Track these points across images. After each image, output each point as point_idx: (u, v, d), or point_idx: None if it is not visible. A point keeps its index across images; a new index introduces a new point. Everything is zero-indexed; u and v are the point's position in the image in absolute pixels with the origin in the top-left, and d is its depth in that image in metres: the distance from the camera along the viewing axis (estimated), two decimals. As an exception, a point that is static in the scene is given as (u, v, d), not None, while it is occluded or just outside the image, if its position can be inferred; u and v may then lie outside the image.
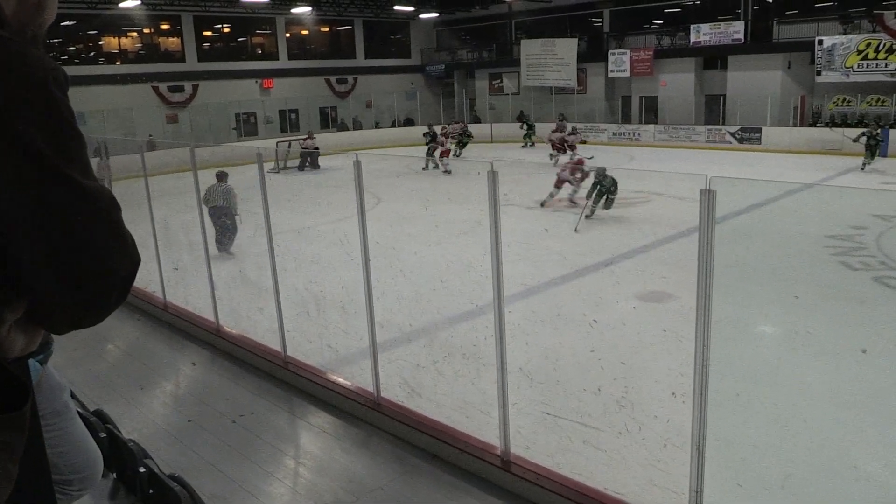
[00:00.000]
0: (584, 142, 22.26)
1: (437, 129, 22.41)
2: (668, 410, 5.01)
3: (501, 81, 33.61)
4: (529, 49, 31.17)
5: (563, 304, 7.77)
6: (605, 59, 29.02)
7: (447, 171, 19.67)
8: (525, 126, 27.32)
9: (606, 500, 4.04)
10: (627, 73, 28.44)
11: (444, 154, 20.23)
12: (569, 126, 23.17)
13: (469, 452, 4.56)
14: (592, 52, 29.77)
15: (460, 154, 23.08)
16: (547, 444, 4.75)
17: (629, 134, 27.35)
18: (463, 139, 23.58)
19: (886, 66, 22.91)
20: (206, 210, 8.99)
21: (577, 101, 29.94)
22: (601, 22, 30.43)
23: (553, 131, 22.12)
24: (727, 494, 4.11)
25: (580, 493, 4.09)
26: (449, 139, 22.04)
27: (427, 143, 21.01)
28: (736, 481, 4.28)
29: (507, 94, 32.84)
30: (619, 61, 28.57)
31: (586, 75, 30.23)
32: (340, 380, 5.77)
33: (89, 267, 0.80)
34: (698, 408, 3.52)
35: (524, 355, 5.90)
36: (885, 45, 22.76)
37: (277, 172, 20.77)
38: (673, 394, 5.08)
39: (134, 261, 0.86)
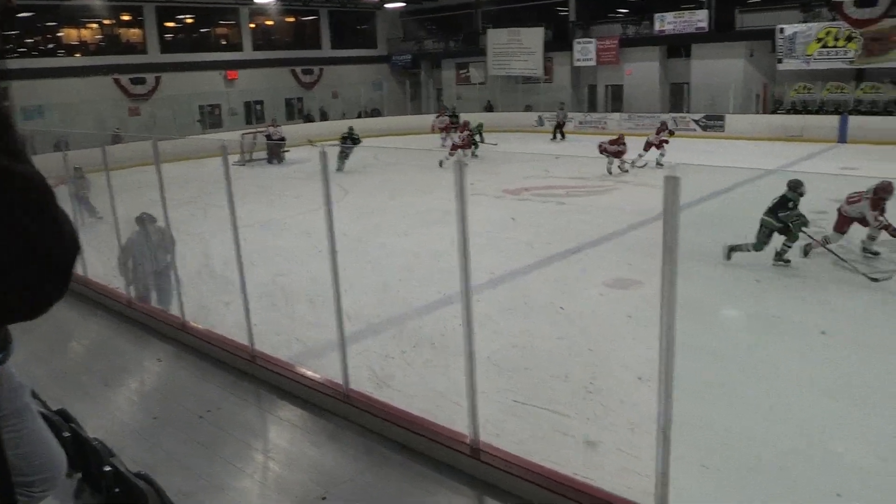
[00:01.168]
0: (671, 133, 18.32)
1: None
2: (636, 395, 5.08)
3: (468, 71, 33.59)
4: (496, 39, 31.18)
5: (531, 293, 7.83)
6: (571, 48, 29.16)
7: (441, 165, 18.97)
8: (450, 118, 25.39)
9: (575, 486, 4.07)
10: (593, 62, 28.60)
11: (455, 148, 18.88)
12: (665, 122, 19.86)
13: (439, 442, 4.56)
14: (558, 42, 29.88)
15: (476, 155, 20.48)
16: (516, 431, 4.78)
17: (595, 122, 27.55)
18: (475, 138, 20.65)
19: (845, 53, 23.36)
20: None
21: (544, 90, 30.05)
22: (567, 11, 30.54)
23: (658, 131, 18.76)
24: (695, 477, 4.17)
25: (550, 479, 4.13)
26: (448, 132, 21.50)
27: (342, 146, 19.02)
28: (703, 464, 4.35)
29: (475, 84, 32.84)
30: (585, 50, 28.72)
31: (553, 64, 30.35)
32: (309, 373, 5.74)
33: (21, 254, 0.77)
34: (664, 391, 3.56)
35: (493, 344, 5.93)
36: (844, 32, 23.19)
37: (243, 165, 20.55)
38: (639, 378, 5.15)
39: (68, 246, 0.82)
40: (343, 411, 5.18)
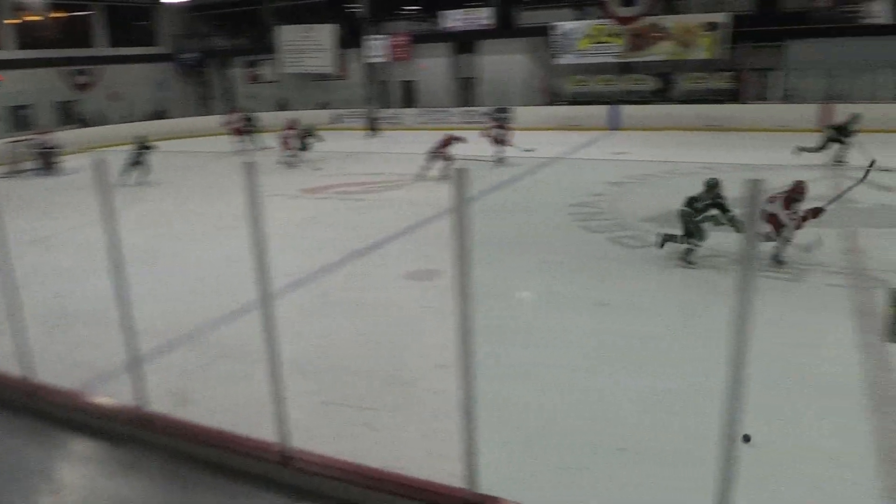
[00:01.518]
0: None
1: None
2: (440, 382, 5.25)
3: (260, 69, 32.72)
4: (287, 35, 30.64)
5: (332, 291, 7.81)
6: (364, 45, 29.37)
7: (290, 164, 17.91)
8: (246, 120, 22.68)
9: (389, 478, 4.14)
10: (386, 59, 29.01)
11: (287, 147, 18.12)
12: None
13: (246, 454, 4.43)
14: (352, 38, 29.97)
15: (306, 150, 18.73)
16: (326, 432, 4.76)
17: (390, 118, 28.01)
18: (308, 140, 18.65)
19: (613, 49, 25.70)
20: None
21: (339, 87, 30.03)
22: (360, 7, 30.68)
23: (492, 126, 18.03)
24: (502, 455, 4.39)
25: (363, 475, 4.16)
26: (243, 134, 20.61)
27: (138, 152, 16.72)
28: (506, 440, 4.59)
29: (267, 83, 32.05)
30: (378, 47, 29.04)
31: (347, 61, 30.38)
32: (99, 399, 5.32)
33: None
34: (464, 375, 3.71)
35: (296, 347, 5.85)
36: (611, 29, 25.55)
37: (10, 177, 18.52)
38: (442, 365, 5.33)
39: None
40: (141, 436, 4.86)
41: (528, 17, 28.11)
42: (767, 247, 8.24)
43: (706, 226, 8.46)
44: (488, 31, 27.60)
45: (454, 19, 28.05)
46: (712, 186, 8.41)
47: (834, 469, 4.28)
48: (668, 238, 8.75)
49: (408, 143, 22.37)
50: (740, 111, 23.26)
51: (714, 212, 8.37)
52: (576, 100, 26.37)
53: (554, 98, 27.04)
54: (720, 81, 24.88)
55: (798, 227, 8.16)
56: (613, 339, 6.35)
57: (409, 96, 29.84)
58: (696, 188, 8.55)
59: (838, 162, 14.71)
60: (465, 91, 28.94)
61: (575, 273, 8.36)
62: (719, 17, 24.18)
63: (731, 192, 7.64)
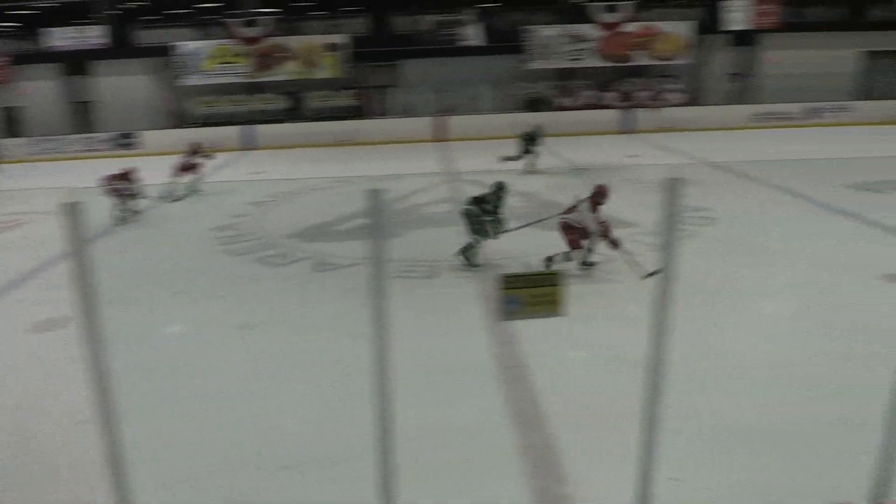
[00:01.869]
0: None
1: None
2: (84, 440, 4.78)
3: None
4: None
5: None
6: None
7: None
8: None
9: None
10: (-22, 82, 25.29)
11: None
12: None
13: None
14: (-74, 59, 25.47)
15: None
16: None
17: (-5, 150, 24.43)
18: None
19: (239, 69, 25.71)
20: None
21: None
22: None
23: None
24: (163, 501, 4.17)
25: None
26: None
27: None
28: (168, 483, 4.36)
29: None
30: (-34, 69, 25.22)
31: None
32: None
33: None
34: (106, 426, 3.46)
35: None
36: (236, 50, 25.56)
37: None
38: (85, 421, 4.87)
39: None
40: None
41: (146, 37, 26.74)
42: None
43: (480, 234, 8.62)
44: (102, 50, 25.60)
45: (62, 38, 25.42)
46: (500, 189, 8.57)
47: (478, 440, 4.86)
48: (465, 250, 8.73)
49: (21, 178, 19.70)
50: (365, 126, 25.02)
51: (491, 218, 8.53)
52: (206, 121, 25.80)
53: (182, 120, 26.10)
54: (345, 99, 26.47)
55: (603, 236, 7.99)
56: (266, 358, 6.39)
57: (13, 124, 26.24)
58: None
59: (529, 171, 16.05)
60: (82, 116, 26.42)
61: (222, 299, 8.20)
62: (339, 38, 25.68)
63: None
